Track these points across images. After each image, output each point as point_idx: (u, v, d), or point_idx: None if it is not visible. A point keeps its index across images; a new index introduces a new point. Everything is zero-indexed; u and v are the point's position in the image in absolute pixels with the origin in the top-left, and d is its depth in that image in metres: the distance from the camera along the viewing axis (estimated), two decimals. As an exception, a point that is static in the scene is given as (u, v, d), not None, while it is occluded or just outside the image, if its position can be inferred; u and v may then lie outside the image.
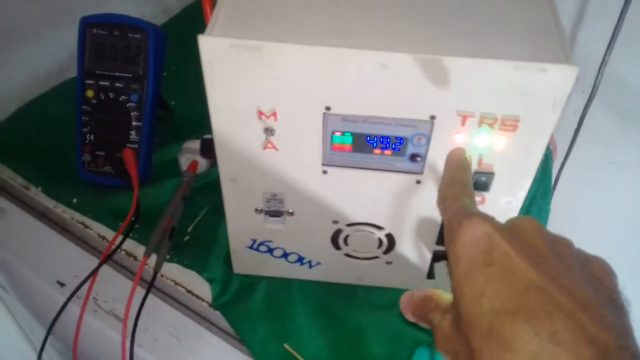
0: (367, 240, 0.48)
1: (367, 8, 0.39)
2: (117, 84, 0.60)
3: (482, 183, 0.41)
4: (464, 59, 0.35)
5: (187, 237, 0.58)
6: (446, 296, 0.27)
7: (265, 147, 0.41)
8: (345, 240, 0.49)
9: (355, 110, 0.38)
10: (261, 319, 0.51)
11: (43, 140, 0.67)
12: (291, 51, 0.35)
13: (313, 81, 0.37)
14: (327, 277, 0.54)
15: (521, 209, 0.44)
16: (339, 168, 0.42)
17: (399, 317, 0.47)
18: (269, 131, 0.40)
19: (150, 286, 0.53)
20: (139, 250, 0.57)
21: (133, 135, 0.60)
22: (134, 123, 0.60)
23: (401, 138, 0.39)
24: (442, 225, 0.46)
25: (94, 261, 0.55)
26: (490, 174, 0.41)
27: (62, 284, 0.55)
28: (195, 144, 0.60)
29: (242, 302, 0.53)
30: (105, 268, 0.54)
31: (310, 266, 0.52)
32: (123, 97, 0.60)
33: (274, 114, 0.39)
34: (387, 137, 0.39)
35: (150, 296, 0.52)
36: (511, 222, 0.25)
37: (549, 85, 0.35)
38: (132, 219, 0.57)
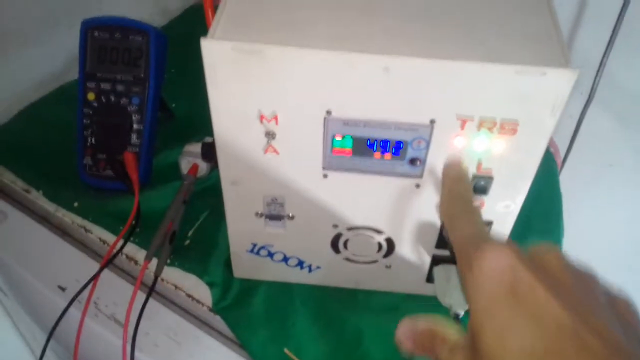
0: (366, 244, 0.48)
1: (368, 12, 0.39)
2: (119, 87, 0.60)
3: (481, 187, 0.41)
4: (465, 63, 0.35)
5: (187, 241, 0.59)
6: (453, 330, 0.25)
7: (266, 151, 0.41)
8: (345, 244, 0.49)
9: (356, 113, 0.38)
10: (261, 323, 0.51)
11: (44, 143, 0.67)
12: (293, 55, 0.36)
13: (315, 85, 0.37)
14: (326, 281, 0.54)
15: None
16: (339, 172, 0.42)
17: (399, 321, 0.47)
18: (270, 135, 0.40)
19: (151, 290, 0.53)
20: (140, 254, 0.57)
21: (134, 138, 0.60)
22: (135, 126, 0.60)
23: (401, 142, 0.40)
24: (441, 230, 0.46)
25: (94, 265, 0.55)
26: (489, 178, 0.41)
27: (62, 288, 0.55)
28: (196, 147, 0.60)
29: (242, 306, 0.53)
30: (106, 272, 0.54)
31: (310, 270, 0.52)
32: (124, 100, 0.60)
33: (275, 117, 0.39)
34: (387, 141, 0.40)
35: (151, 300, 0.52)
36: (534, 251, 0.24)
37: (548, 89, 0.35)
38: (133, 222, 0.57)
